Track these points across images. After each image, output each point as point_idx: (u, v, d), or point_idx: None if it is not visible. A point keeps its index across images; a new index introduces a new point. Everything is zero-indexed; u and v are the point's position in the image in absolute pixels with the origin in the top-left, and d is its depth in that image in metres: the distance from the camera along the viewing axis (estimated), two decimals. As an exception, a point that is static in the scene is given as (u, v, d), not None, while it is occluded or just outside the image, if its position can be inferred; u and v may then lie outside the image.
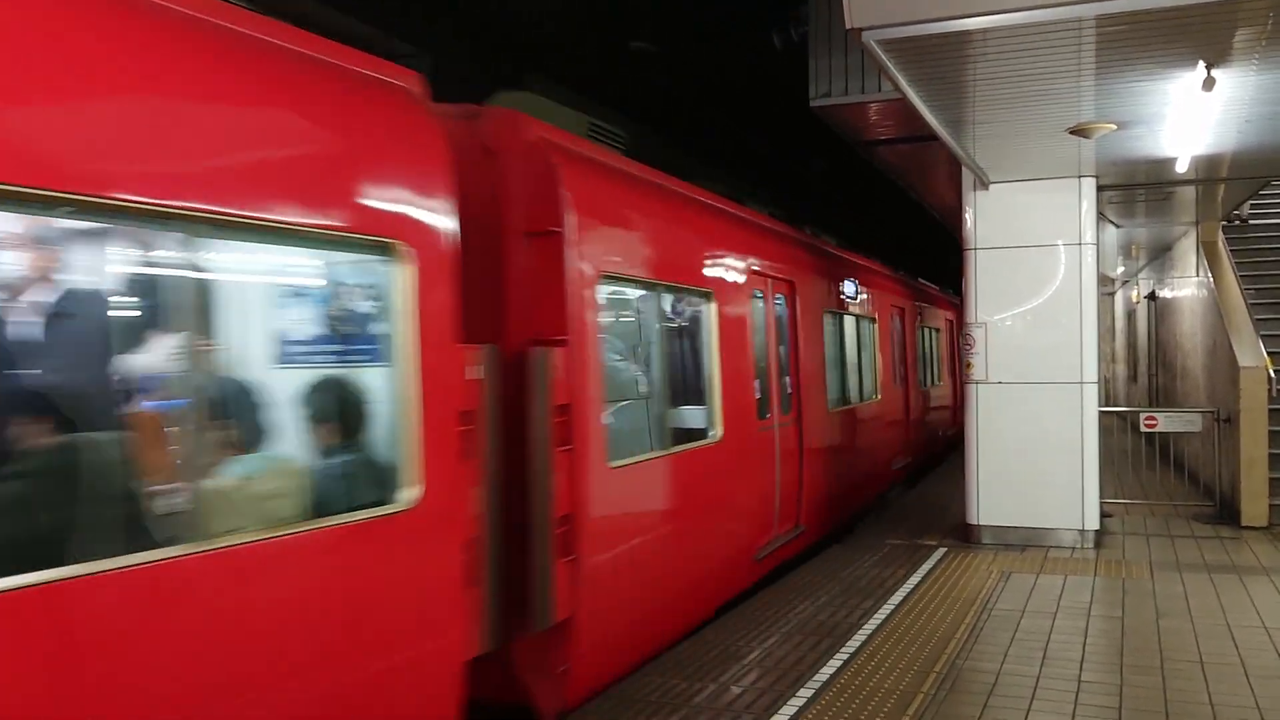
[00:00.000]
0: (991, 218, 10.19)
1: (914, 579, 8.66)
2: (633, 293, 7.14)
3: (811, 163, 19.97)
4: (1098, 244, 10.13)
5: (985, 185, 10.07)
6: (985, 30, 5.63)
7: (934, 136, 8.10)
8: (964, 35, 5.71)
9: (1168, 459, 13.25)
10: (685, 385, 7.80)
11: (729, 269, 8.33)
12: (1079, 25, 5.56)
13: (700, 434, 7.73)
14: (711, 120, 17.05)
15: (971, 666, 6.28)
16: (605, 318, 6.33)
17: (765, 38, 13.43)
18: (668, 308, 7.52)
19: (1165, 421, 11.68)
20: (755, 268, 8.95)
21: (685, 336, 7.91)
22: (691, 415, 7.77)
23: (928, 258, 25.45)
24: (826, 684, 6.01)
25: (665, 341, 7.38)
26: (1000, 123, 7.83)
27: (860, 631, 7.09)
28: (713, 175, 11.22)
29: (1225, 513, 10.96)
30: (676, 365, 7.75)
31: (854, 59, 9.99)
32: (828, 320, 11.42)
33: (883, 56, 5.93)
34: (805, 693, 5.87)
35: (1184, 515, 11.33)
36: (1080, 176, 9.86)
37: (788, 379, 9.89)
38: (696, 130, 17.03)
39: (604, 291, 6.26)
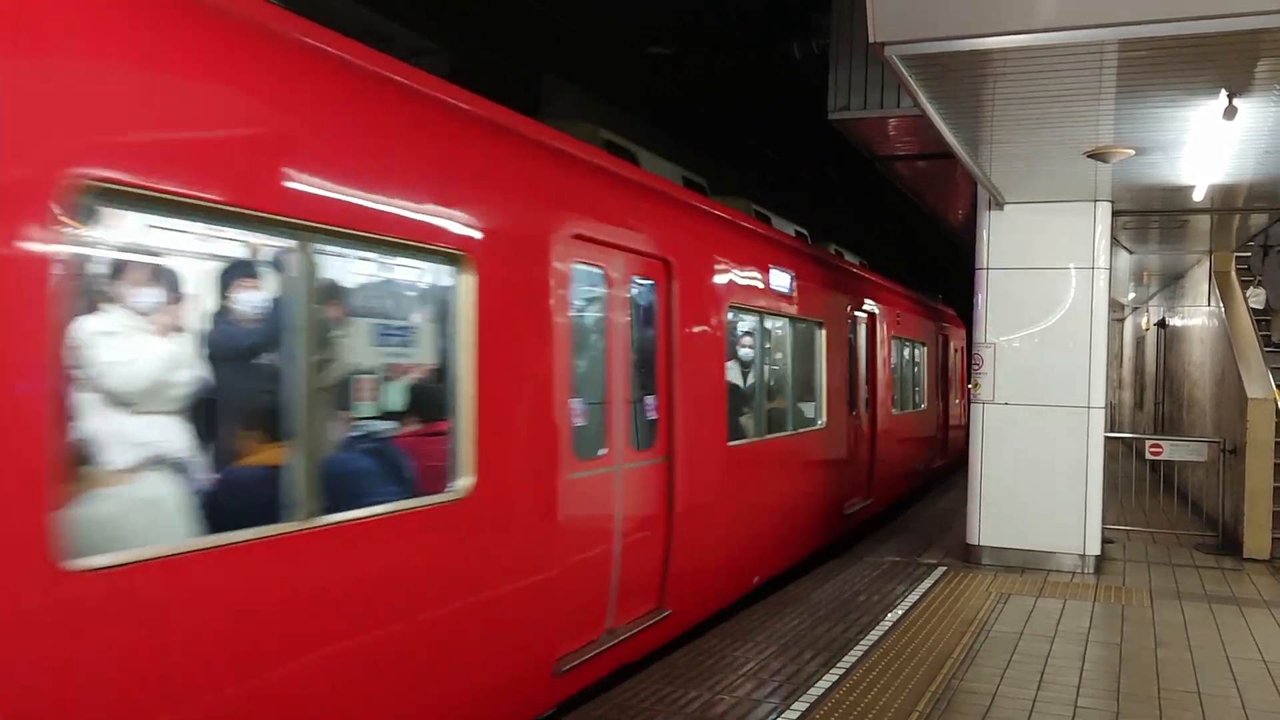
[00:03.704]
0: (1005, 238, 10.16)
1: (912, 597, 8.62)
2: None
3: (825, 173, 19.99)
4: (1110, 269, 10.10)
5: (1000, 205, 10.04)
6: (1006, 50, 5.61)
7: (951, 154, 8.08)
8: (985, 54, 5.69)
9: (1171, 488, 13.21)
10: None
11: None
12: (1100, 49, 5.54)
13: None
14: (723, 124, 17.07)
15: (967, 687, 6.25)
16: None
17: (785, 47, 13.44)
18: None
19: (1171, 450, 11.64)
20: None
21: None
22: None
23: (933, 274, 24.52)
24: (821, 698, 5.98)
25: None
26: (1018, 143, 7.81)
27: (857, 647, 7.06)
28: (727, 182, 11.23)
29: (1227, 544, 10.90)
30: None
31: (874, 73, 9.99)
32: (740, 323, 9.09)
33: (904, 72, 5.91)
34: (800, 706, 5.85)
35: (1186, 544, 11.27)
36: (1096, 200, 9.83)
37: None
38: (709, 133, 17.06)
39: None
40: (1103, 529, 10.00)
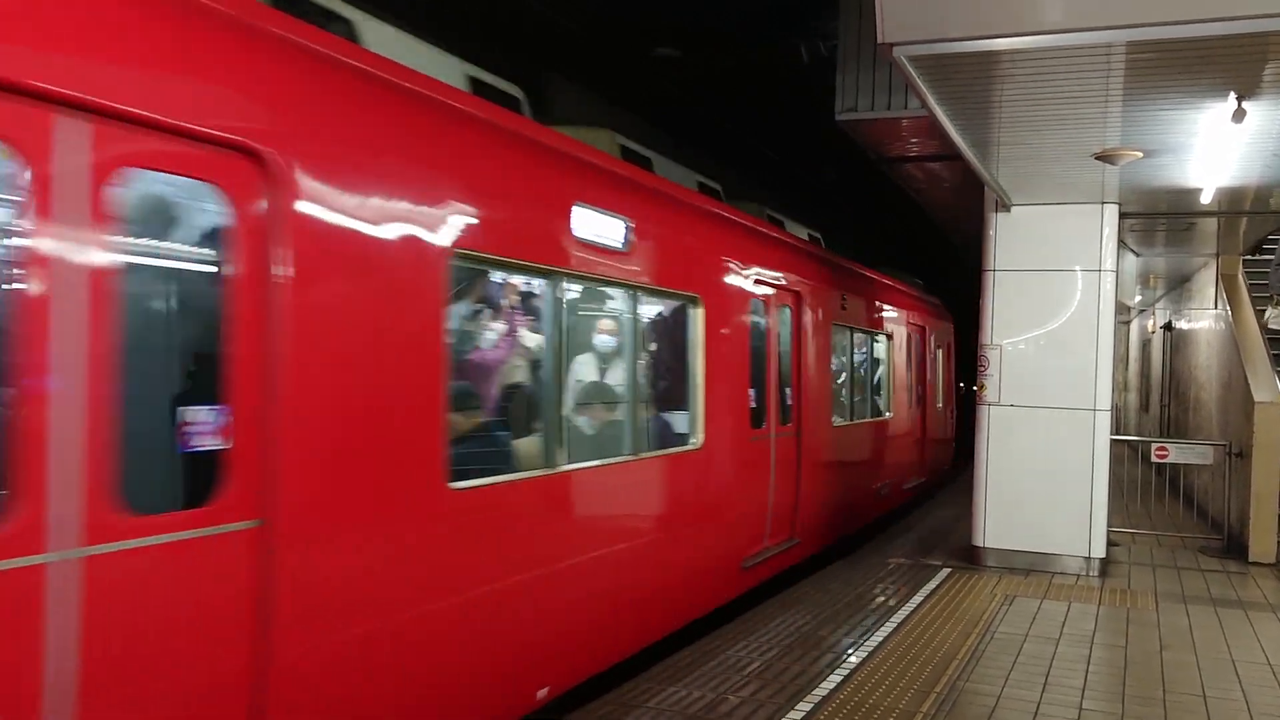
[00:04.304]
0: (1011, 240, 10.15)
1: (917, 598, 8.62)
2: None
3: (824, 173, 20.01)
4: (1117, 271, 10.08)
5: (1007, 207, 10.03)
6: (1014, 51, 5.61)
7: (958, 156, 8.08)
8: (993, 56, 5.69)
9: (1177, 490, 13.20)
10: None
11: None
12: (1109, 50, 5.54)
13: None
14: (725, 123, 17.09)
15: (972, 689, 6.24)
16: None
17: (793, 48, 13.44)
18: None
19: (1176, 453, 11.63)
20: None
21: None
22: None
23: (933, 275, 22.58)
24: (826, 699, 5.99)
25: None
26: (1026, 145, 7.80)
27: (861, 648, 7.06)
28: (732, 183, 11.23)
29: (1233, 547, 10.89)
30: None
31: (881, 74, 9.98)
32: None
33: (912, 73, 5.92)
34: (804, 706, 5.85)
35: (1191, 547, 11.26)
36: (1103, 203, 9.82)
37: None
38: (712, 134, 17.08)
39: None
40: (1108, 532, 9.99)
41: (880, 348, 13.95)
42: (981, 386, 10.22)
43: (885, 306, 14.00)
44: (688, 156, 10.13)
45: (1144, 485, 12.76)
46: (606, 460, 6.60)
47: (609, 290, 7.03)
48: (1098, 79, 6.06)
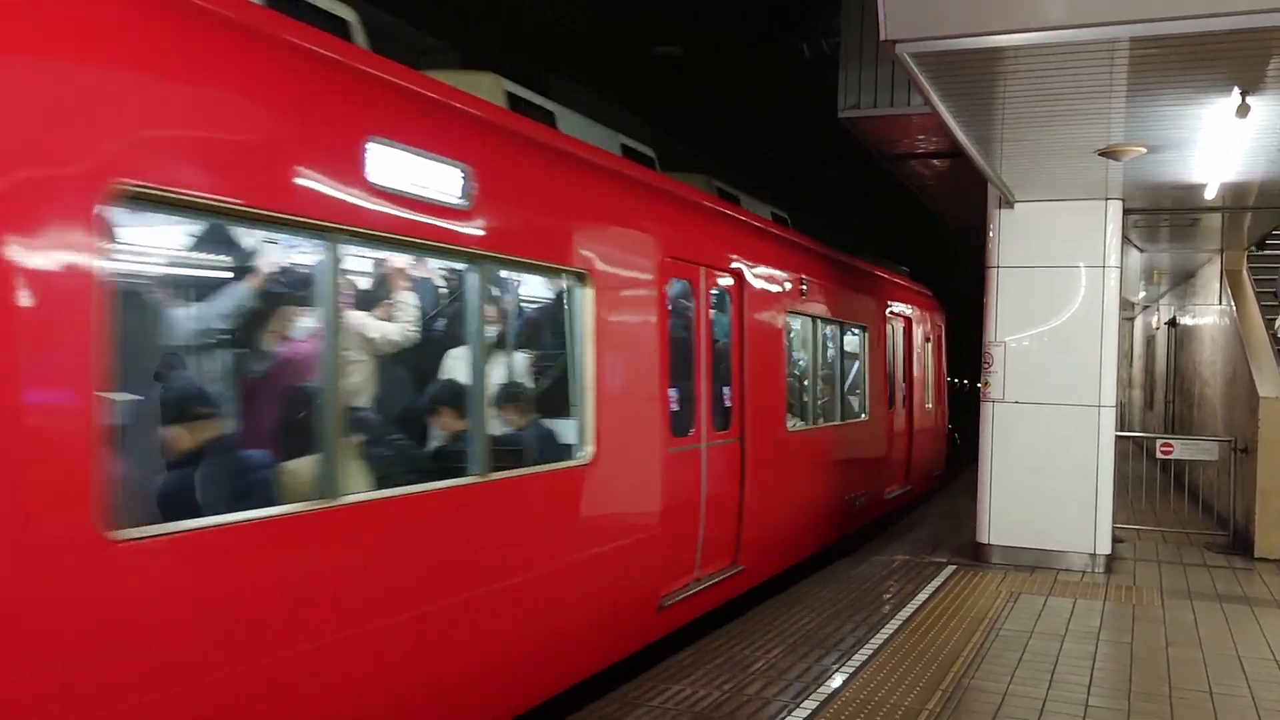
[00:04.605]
0: (1015, 237, 10.13)
1: (922, 595, 8.61)
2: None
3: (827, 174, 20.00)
4: (1121, 267, 10.07)
5: (1010, 204, 10.02)
6: (1018, 48, 5.60)
7: (961, 152, 8.07)
8: (996, 52, 5.68)
9: (1182, 487, 13.16)
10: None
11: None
12: (1112, 46, 5.53)
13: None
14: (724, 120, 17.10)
15: (978, 686, 6.24)
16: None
17: (794, 47, 13.43)
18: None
19: (1181, 449, 11.61)
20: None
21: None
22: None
23: (932, 274, 21.28)
24: (831, 697, 5.98)
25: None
26: (1029, 141, 7.79)
27: (866, 646, 7.05)
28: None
29: (1239, 543, 10.86)
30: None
31: (884, 72, 9.97)
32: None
33: (915, 70, 5.91)
34: (809, 704, 5.84)
35: (1197, 544, 11.23)
36: (1107, 199, 9.80)
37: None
38: (711, 131, 17.10)
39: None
40: (1113, 528, 9.98)
41: (854, 340, 12.42)
42: (986, 383, 10.21)
43: (859, 294, 12.40)
44: (689, 155, 10.08)
45: (1149, 482, 12.73)
46: (426, 486, 5.03)
47: (436, 260, 5.68)
48: (1101, 75, 6.05)
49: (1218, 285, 13.75)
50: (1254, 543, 10.48)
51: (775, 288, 9.40)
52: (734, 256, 8.53)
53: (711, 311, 8.13)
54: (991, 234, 10.23)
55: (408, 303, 5.55)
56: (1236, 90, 6.08)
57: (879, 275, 13.81)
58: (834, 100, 10.80)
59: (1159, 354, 20.72)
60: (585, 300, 6.23)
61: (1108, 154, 7.85)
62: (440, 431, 5.64)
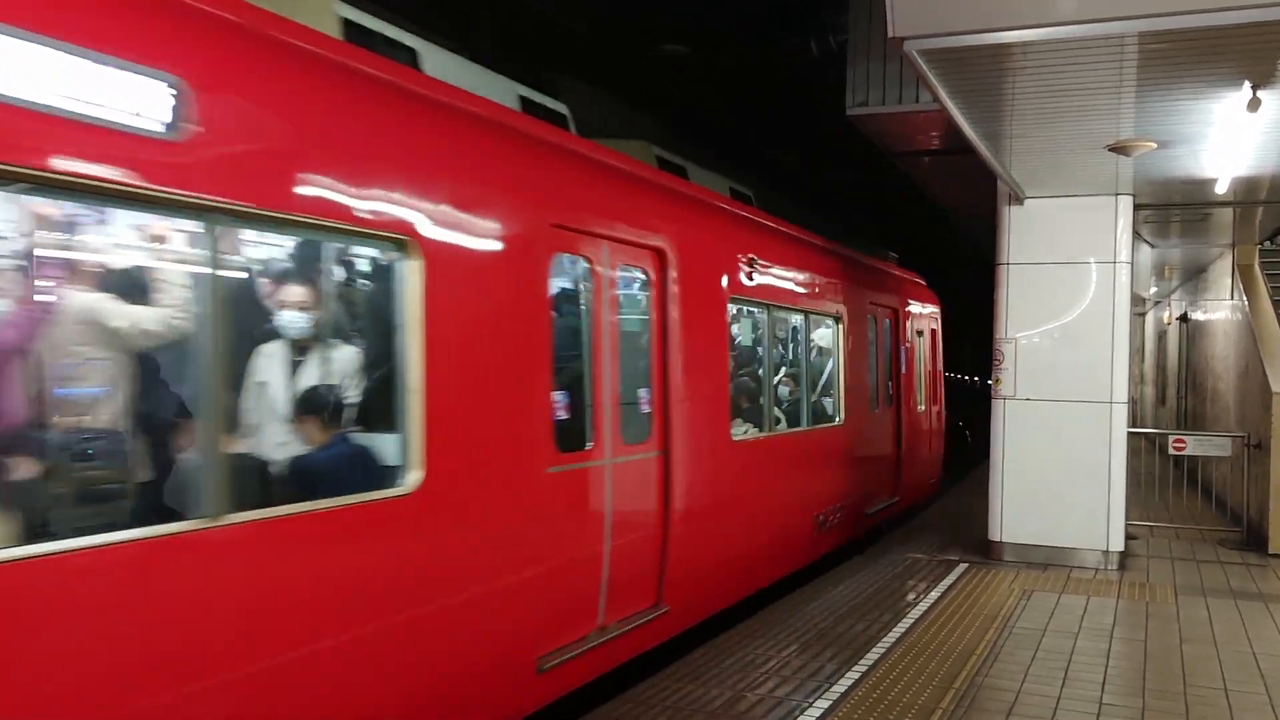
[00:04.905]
0: (1025, 233, 10.10)
1: (934, 594, 8.59)
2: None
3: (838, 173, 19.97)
4: (1132, 263, 10.03)
5: (1020, 200, 9.99)
6: (1026, 44, 5.58)
7: (971, 149, 8.05)
8: (1005, 48, 5.67)
9: (1195, 483, 13.12)
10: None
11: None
12: (1121, 41, 5.51)
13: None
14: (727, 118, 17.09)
15: (991, 684, 6.22)
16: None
17: (800, 45, 13.41)
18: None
19: (1194, 445, 11.57)
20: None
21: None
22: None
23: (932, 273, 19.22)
24: (844, 696, 5.97)
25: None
26: (1038, 137, 7.77)
27: (879, 644, 7.04)
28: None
29: (1253, 539, 10.82)
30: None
31: (892, 68, 9.95)
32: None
33: (923, 66, 5.90)
34: (822, 704, 5.84)
35: (1210, 540, 11.19)
36: (1117, 194, 9.76)
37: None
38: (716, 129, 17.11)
39: None
40: (1126, 525, 9.94)
41: (825, 334, 10.84)
42: (997, 381, 10.18)
43: (832, 280, 10.68)
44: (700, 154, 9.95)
45: (1162, 478, 12.69)
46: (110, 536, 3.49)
47: (125, 210, 3.89)
48: (1110, 70, 6.03)
49: (1229, 280, 13.70)
50: (1268, 538, 10.43)
51: (715, 271, 7.88)
52: (656, 232, 6.96)
53: (621, 297, 6.62)
54: (1001, 230, 10.20)
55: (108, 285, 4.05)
56: (1247, 84, 6.06)
57: (858, 260, 12.00)
58: (829, 98, 10.77)
59: (1171, 349, 20.64)
60: (409, 276, 4.71)
61: (1118, 149, 7.83)
62: (152, 458, 4.13)
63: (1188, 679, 6.42)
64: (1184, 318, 18.75)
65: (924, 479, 14.71)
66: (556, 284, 6.06)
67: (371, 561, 4.53)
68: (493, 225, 5.36)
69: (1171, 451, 11.62)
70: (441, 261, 4.92)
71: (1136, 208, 10.06)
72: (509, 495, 5.44)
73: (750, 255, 8.49)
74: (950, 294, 19.16)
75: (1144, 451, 14.54)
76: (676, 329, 7.14)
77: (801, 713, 5.70)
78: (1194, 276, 17.43)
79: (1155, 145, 7.71)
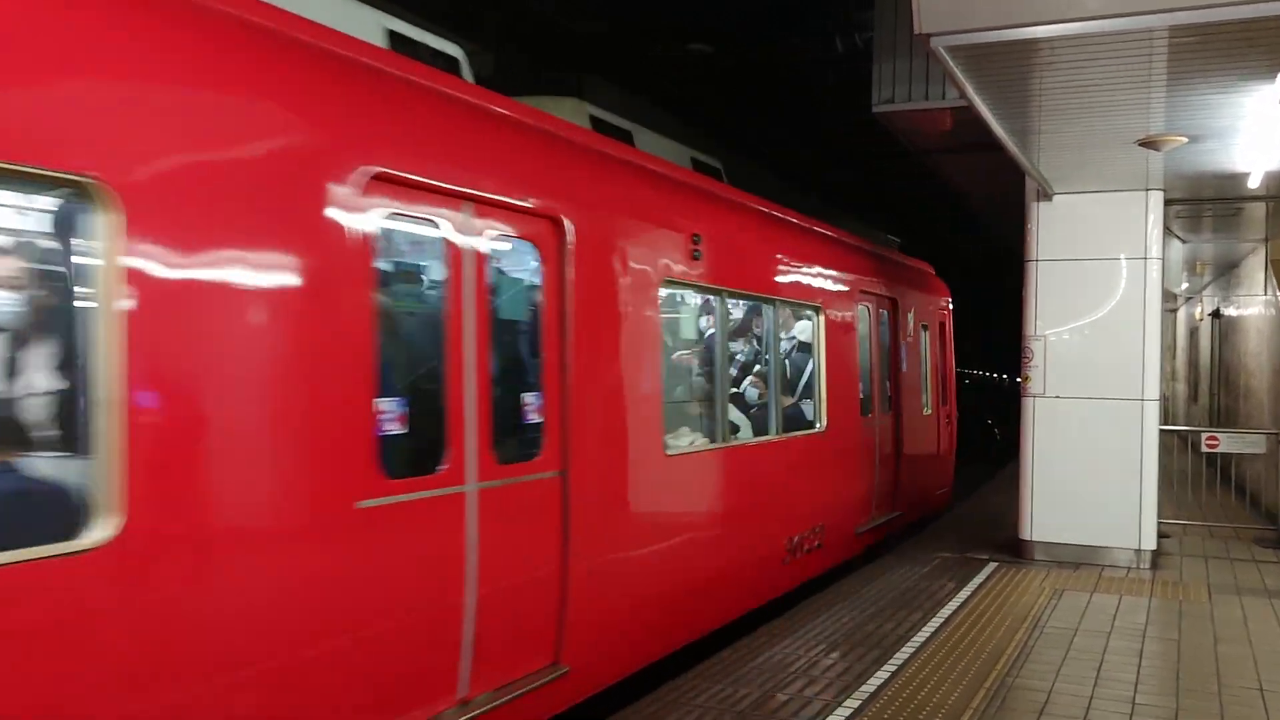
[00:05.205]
0: (1054, 229, 10.03)
1: (964, 593, 8.54)
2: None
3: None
4: (1163, 259, 9.94)
5: (1049, 196, 9.91)
6: (1054, 39, 5.54)
7: (998, 145, 8.00)
8: (1032, 43, 5.62)
9: (1228, 481, 12.98)
10: None
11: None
12: (1150, 35, 5.45)
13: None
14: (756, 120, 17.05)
15: (1022, 684, 6.18)
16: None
17: (828, 41, 13.35)
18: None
19: (1227, 442, 11.44)
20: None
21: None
22: None
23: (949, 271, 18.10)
24: (874, 695, 5.95)
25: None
26: (1067, 133, 7.71)
27: (908, 644, 7.01)
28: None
29: (1288, 537, 10.69)
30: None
31: (918, 65, 9.91)
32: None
33: (950, 63, 5.86)
34: (852, 703, 5.82)
35: (1244, 538, 11.06)
36: (1148, 190, 9.67)
37: None
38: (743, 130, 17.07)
39: None
40: (1158, 523, 9.85)
41: (803, 326, 9.47)
42: (1026, 378, 10.11)
43: (812, 265, 9.34)
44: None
45: (1194, 476, 12.55)
46: None
47: None
48: (1140, 65, 5.97)
49: (1262, 275, 13.53)
50: (1304, 537, 10.31)
51: (647, 249, 6.51)
52: (553, 196, 5.53)
53: (496, 275, 5.26)
54: (1030, 226, 10.13)
55: None
56: (1279, 77, 5.98)
57: (846, 244, 10.56)
58: (871, 93, 10.72)
59: (1203, 346, 20.43)
60: (99, 234, 3.27)
61: (1148, 144, 7.75)
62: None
63: (1223, 678, 6.35)
64: (1216, 314, 18.54)
65: (930, 489, 13.25)
66: (386, 255, 4.64)
67: (22, 656, 3.03)
68: (262, 173, 3.89)
69: (1204, 449, 11.48)
70: (150, 210, 3.39)
71: (1167, 203, 9.96)
72: (282, 543, 3.95)
73: (695, 233, 7.07)
74: (979, 291, 19.01)
75: (1176, 449, 14.38)
76: (582, 318, 5.69)
77: (830, 712, 5.69)
78: (1226, 272, 17.24)
79: (1186, 139, 7.63)
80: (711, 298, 7.76)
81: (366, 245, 4.31)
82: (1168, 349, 24.32)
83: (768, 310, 8.71)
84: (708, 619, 7.31)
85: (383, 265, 4.58)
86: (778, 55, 14.49)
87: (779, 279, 8.68)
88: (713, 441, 7.55)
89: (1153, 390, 9.69)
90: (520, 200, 5.29)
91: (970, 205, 16.27)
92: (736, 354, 8.72)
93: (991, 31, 5.42)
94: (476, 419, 4.92)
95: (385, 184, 4.41)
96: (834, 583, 9.08)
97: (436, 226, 4.81)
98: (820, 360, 9.35)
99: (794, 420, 9.12)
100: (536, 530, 5.40)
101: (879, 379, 11.06)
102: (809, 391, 9.40)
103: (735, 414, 8.21)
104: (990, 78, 6.32)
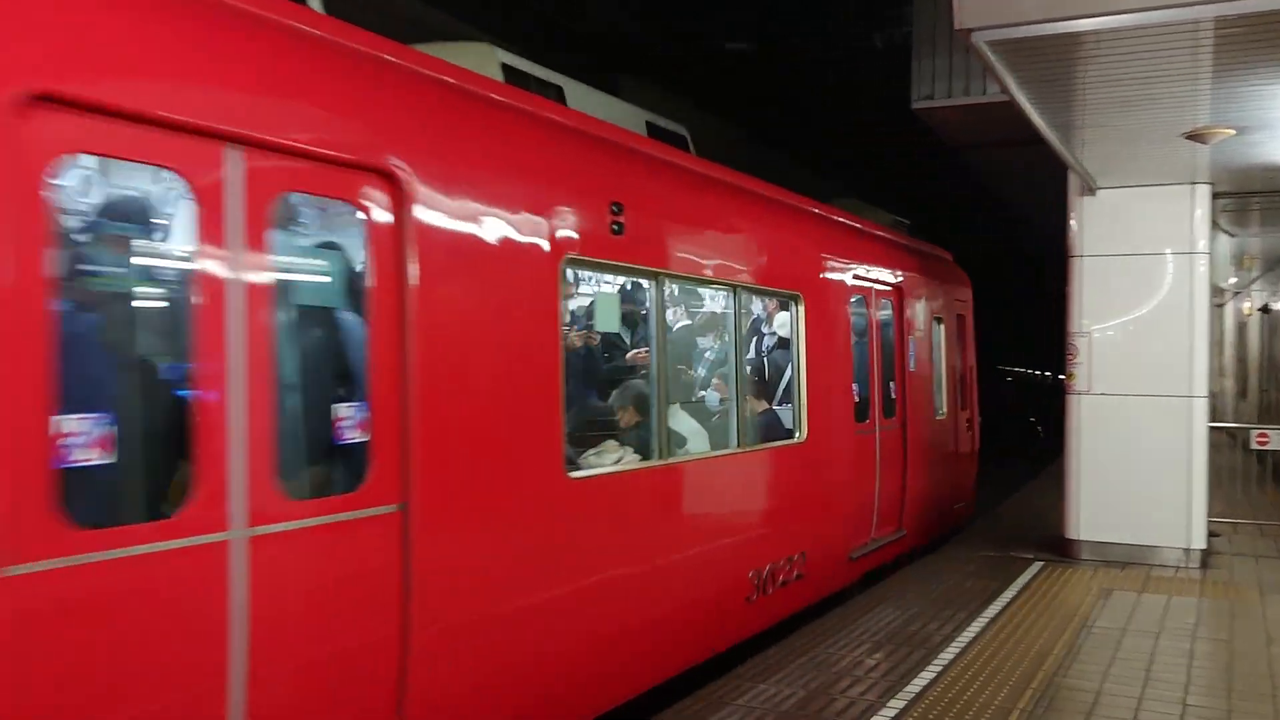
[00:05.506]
0: (1098, 224, 9.90)
1: (1009, 593, 8.46)
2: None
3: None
4: (1210, 253, 9.78)
5: (1092, 190, 9.80)
6: (1098, 32, 5.48)
7: (1040, 140, 7.92)
8: (1075, 37, 5.56)
9: (1279, 478, 12.74)
10: None
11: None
12: (1195, 27, 5.38)
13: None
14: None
15: (1070, 684, 6.12)
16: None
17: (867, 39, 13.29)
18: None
19: (1277, 439, 11.24)
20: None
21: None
22: None
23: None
24: (919, 696, 5.91)
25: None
26: (1111, 126, 7.62)
27: (954, 644, 6.96)
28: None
29: (1342, 536, 10.49)
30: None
31: (958, 60, 9.83)
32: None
33: (991, 58, 5.81)
34: (897, 704, 5.79)
35: (1297, 537, 10.87)
36: (1194, 183, 9.53)
37: None
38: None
39: None
40: (1208, 522, 9.70)
41: (778, 319, 8.39)
42: (1070, 375, 9.99)
43: (787, 246, 8.13)
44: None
45: (1244, 473, 12.35)
46: None
47: None
48: (1185, 57, 5.89)
49: (1314, 269, 13.30)
50: (1358, 535, 10.11)
51: (528, 215, 5.08)
52: (379, 148, 4.21)
53: (287, 250, 4.11)
54: (1073, 222, 10.01)
55: None
56: (1329, 67, 5.88)
57: (837, 223, 9.28)
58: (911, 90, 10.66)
59: (1252, 341, 20.09)
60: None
61: (1194, 137, 7.64)
62: None
63: (1276, 680, 6.24)
64: (1265, 309, 18.23)
65: (945, 504, 11.65)
66: (95, 214, 3.54)
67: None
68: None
69: (1254, 446, 11.29)
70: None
71: (1214, 196, 9.81)
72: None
73: (620, 201, 5.77)
74: (1020, 287, 18.84)
75: (1225, 446, 14.15)
76: (432, 306, 4.40)
77: (876, 713, 5.66)
78: (1275, 266, 16.95)
79: (1233, 132, 7.51)
80: (644, 281, 6.45)
81: (39, 193, 3.03)
82: (1215, 344, 23.93)
83: (727, 299, 7.37)
84: (627, 681, 5.88)
85: (74, 227, 3.43)
86: (815, 51, 14.46)
87: (743, 262, 7.33)
88: (646, 460, 6.16)
89: (1201, 386, 9.55)
90: (326, 151, 3.98)
91: (1012, 200, 16.11)
92: (691, 351, 7.66)
93: (1034, 25, 5.37)
94: (245, 440, 3.63)
95: (70, 114, 3.09)
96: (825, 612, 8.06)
97: (184, 179, 3.51)
98: (800, 358, 7.99)
99: (765, 429, 7.90)
100: (361, 586, 4.08)
101: (880, 380, 9.66)
102: (787, 396, 8.15)
103: (688, 424, 6.91)
104: (1032, 72, 6.26)
